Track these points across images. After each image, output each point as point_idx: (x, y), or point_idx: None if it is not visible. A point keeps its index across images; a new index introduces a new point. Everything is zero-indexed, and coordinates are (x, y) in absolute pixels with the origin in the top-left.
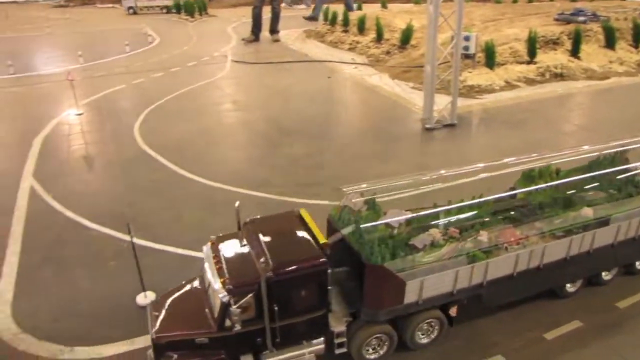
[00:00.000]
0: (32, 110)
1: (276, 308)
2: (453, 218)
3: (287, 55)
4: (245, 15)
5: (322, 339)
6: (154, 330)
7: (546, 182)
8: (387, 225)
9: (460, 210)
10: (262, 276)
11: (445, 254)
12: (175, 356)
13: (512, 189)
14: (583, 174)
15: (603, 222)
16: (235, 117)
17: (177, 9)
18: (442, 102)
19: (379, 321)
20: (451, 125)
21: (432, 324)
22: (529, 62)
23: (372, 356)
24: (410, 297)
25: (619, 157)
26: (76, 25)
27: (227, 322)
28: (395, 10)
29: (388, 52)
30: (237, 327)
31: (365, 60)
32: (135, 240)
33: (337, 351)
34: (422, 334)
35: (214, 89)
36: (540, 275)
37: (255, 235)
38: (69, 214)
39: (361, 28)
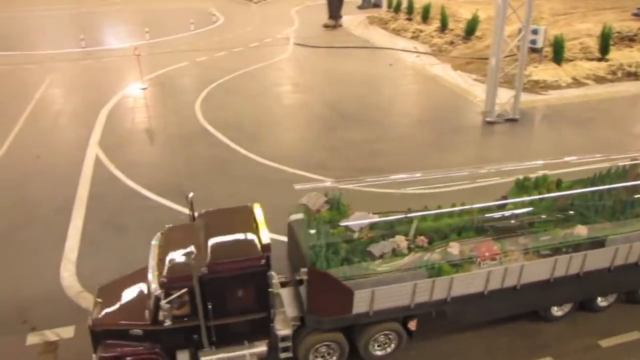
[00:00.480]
0: (100, 83)
1: (210, 306)
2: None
3: (349, 41)
4: None
5: (265, 341)
6: (91, 317)
7: (540, 194)
8: (347, 228)
9: (438, 217)
10: (195, 273)
11: (405, 264)
12: (112, 345)
13: (504, 197)
14: (586, 187)
15: (598, 243)
16: (294, 99)
17: None
18: (504, 96)
19: (327, 329)
20: (513, 120)
21: (390, 336)
22: (600, 59)
23: None
24: (360, 307)
25: (631, 172)
26: (144, 2)
27: (160, 316)
28: (461, 0)
29: (452, 43)
30: (168, 323)
31: (428, 49)
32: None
33: (282, 355)
34: (378, 346)
35: (275, 70)
36: (518, 296)
37: (204, 228)
38: (130, 183)
39: (425, 17)
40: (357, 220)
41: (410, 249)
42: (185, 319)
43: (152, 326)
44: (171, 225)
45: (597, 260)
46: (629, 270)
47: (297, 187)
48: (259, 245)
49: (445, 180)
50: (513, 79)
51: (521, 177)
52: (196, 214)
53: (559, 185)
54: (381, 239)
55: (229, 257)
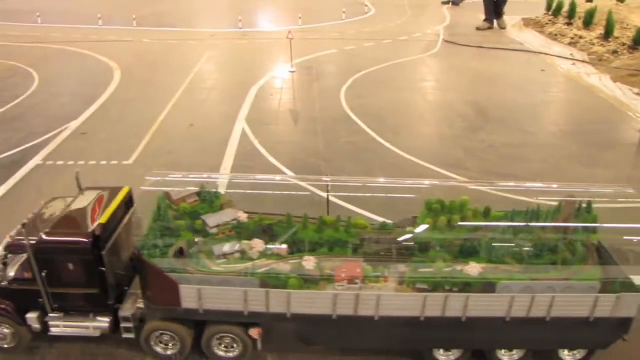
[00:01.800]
0: (252, 62)
1: (44, 274)
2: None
3: (501, 42)
4: None
5: (108, 318)
6: None
7: (449, 220)
8: (204, 222)
9: (321, 229)
10: (27, 242)
11: (243, 268)
12: None
13: (415, 218)
14: (529, 219)
15: (489, 287)
16: (437, 96)
17: None
18: None
19: (163, 318)
20: None
21: (235, 340)
22: None
23: (159, 350)
24: (189, 302)
25: (564, 210)
26: None
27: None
28: (634, 5)
29: (615, 52)
30: (4, 283)
31: (586, 57)
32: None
33: (124, 335)
34: (224, 347)
35: (421, 66)
36: (380, 328)
37: (72, 202)
38: (271, 159)
39: (588, 22)
40: (216, 217)
41: (266, 256)
42: (28, 281)
43: (2, 283)
44: (57, 196)
45: (484, 306)
46: (538, 326)
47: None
48: (93, 225)
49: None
50: None
51: (434, 198)
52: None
53: (486, 214)
54: (237, 238)
55: (58, 232)
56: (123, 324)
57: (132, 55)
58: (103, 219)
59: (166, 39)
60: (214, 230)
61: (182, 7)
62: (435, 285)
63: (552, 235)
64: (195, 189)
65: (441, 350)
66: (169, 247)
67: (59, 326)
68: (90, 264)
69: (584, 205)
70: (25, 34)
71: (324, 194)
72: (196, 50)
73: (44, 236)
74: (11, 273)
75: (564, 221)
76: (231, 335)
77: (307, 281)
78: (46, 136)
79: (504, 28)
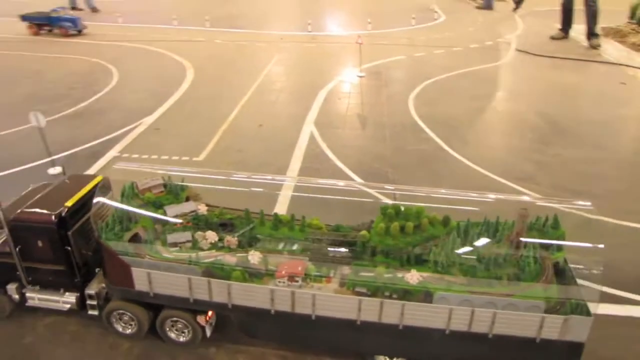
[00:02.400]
0: (321, 66)
1: (18, 249)
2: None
3: (577, 53)
4: (537, 3)
5: (76, 294)
6: None
7: (402, 227)
8: (165, 212)
9: (262, 224)
10: (4, 218)
11: (186, 257)
12: None
13: (372, 222)
14: (483, 231)
15: (428, 297)
16: (507, 106)
17: None
18: None
19: (122, 298)
20: None
21: (187, 325)
22: None
23: (119, 329)
24: (141, 285)
25: (517, 224)
26: None
27: None
28: None
29: None
30: None
31: None
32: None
33: (89, 311)
34: (177, 330)
35: (492, 74)
36: (317, 328)
37: (53, 186)
38: (338, 162)
39: None
40: (176, 208)
41: (217, 248)
42: (9, 256)
43: None
44: (45, 182)
45: (422, 316)
46: (481, 343)
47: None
48: (60, 207)
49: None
50: None
51: (390, 202)
52: None
53: (446, 223)
54: (194, 229)
55: (31, 212)
56: (88, 301)
57: (205, 55)
58: (70, 202)
59: (237, 40)
60: (174, 220)
61: (253, 10)
62: (375, 291)
63: (504, 250)
64: (161, 180)
65: (385, 358)
66: (125, 232)
67: (34, 299)
68: (56, 243)
69: (549, 221)
70: (107, 33)
71: (389, 201)
72: (266, 52)
73: (18, 215)
74: None
75: (517, 235)
76: (182, 321)
77: (252, 275)
78: (123, 130)
79: (595, 47)
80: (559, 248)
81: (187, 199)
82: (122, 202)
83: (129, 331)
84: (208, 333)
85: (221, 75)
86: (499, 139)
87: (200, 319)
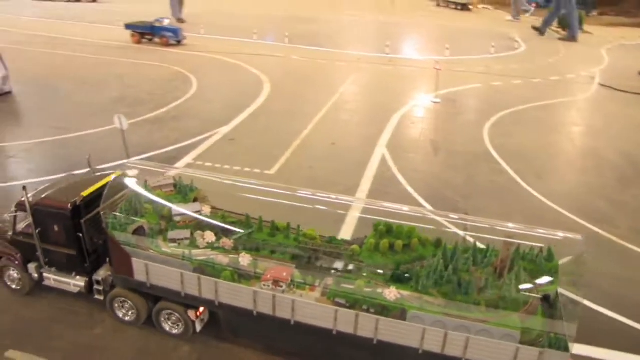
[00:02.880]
0: (396, 89)
1: (38, 231)
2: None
3: None
4: (624, 37)
5: (85, 278)
6: None
7: (391, 245)
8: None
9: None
10: (28, 204)
11: (180, 253)
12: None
13: (365, 237)
14: (470, 256)
15: (403, 314)
16: (587, 142)
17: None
18: None
19: (124, 286)
20: None
21: (180, 319)
22: None
23: (120, 314)
24: (140, 275)
25: (502, 252)
26: (449, 19)
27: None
28: None
29: None
30: (14, 235)
31: None
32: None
33: (95, 296)
34: (172, 323)
35: (572, 109)
36: (296, 333)
37: (77, 178)
38: (408, 187)
39: None
40: (181, 208)
41: (213, 248)
42: (31, 237)
43: (13, 236)
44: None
45: (395, 332)
46: None
47: (130, 164)
48: (76, 197)
49: None
50: None
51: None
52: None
53: (437, 245)
54: (193, 228)
55: (52, 199)
56: (96, 287)
57: (282, 71)
58: (85, 193)
59: (315, 58)
60: (177, 218)
61: (332, 29)
62: (354, 303)
63: (486, 276)
64: (172, 180)
65: None
66: (130, 225)
67: (50, 279)
68: (70, 229)
69: (542, 252)
70: (190, 43)
71: (454, 229)
72: (342, 72)
73: (39, 200)
74: (19, 227)
75: (501, 263)
76: (176, 314)
77: (242, 277)
78: (199, 138)
79: None
80: (552, 280)
81: (195, 200)
82: (133, 197)
83: (127, 318)
84: (198, 328)
85: (297, 91)
86: (575, 175)
87: (191, 314)
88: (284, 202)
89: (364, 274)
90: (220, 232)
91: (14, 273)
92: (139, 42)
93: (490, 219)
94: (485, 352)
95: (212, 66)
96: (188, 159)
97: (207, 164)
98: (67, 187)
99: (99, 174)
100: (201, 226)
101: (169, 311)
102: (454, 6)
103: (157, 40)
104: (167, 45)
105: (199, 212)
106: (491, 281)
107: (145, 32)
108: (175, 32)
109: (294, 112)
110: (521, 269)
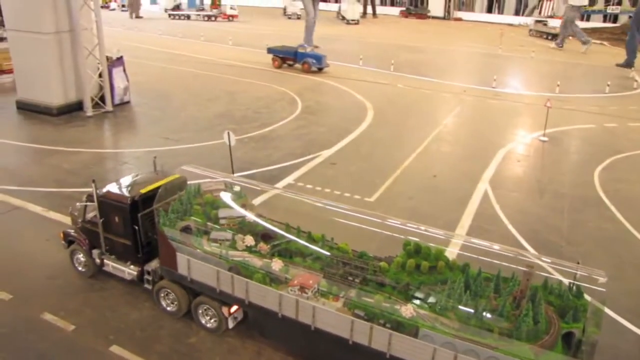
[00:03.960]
0: (502, 124)
1: (101, 221)
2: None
3: None
4: None
5: (138, 268)
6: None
7: (417, 264)
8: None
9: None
10: (95, 194)
11: (218, 253)
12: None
13: (396, 256)
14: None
15: (415, 331)
16: None
17: None
18: None
19: (169, 279)
20: None
21: (215, 313)
22: None
23: (164, 304)
24: (182, 269)
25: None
26: (565, 55)
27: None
28: None
29: None
30: (84, 222)
31: None
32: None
33: (145, 285)
34: (208, 317)
35: None
36: (316, 339)
37: (143, 176)
38: (510, 227)
39: None
40: (228, 211)
41: (246, 248)
42: (96, 225)
43: (82, 223)
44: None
45: (406, 348)
46: None
47: (184, 167)
48: (136, 192)
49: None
50: None
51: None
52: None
53: (464, 270)
54: (236, 231)
55: (115, 193)
56: (146, 276)
57: (386, 98)
58: (144, 189)
59: (419, 88)
60: (223, 221)
61: (439, 59)
62: (372, 317)
63: (504, 305)
64: (223, 185)
65: None
66: (178, 222)
67: (109, 265)
68: (128, 221)
69: (573, 286)
70: (297, 66)
71: (565, 280)
72: (447, 103)
73: (105, 193)
74: (88, 216)
75: (521, 293)
76: (212, 309)
77: (273, 280)
78: (301, 159)
79: None
80: (577, 318)
81: (243, 207)
82: (184, 198)
83: (170, 309)
84: (230, 325)
85: (400, 120)
86: None
87: (224, 310)
88: (376, 229)
89: (389, 291)
90: (260, 239)
91: (81, 257)
92: (279, 67)
93: (514, 247)
94: None
95: (318, 89)
96: (290, 179)
97: (308, 186)
98: (131, 183)
99: (160, 172)
100: (244, 231)
101: (206, 306)
102: (545, 36)
103: (297, 65)
104: (309, 71)
105: (243, 217)
106: (508, 310)
107: (287, 57)
108: (318, 59)
109: (396, 140)
110: (541, 302)
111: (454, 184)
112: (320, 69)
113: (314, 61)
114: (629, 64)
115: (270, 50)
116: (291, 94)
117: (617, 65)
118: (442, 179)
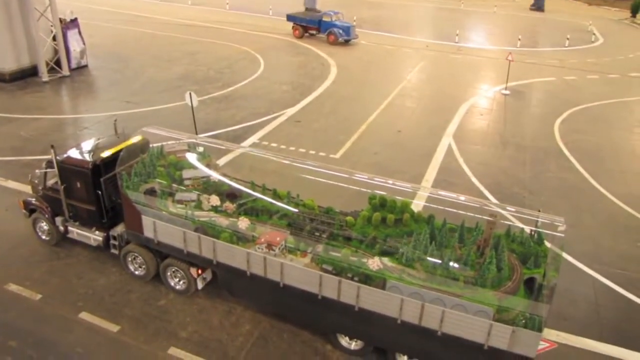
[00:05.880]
0: (464, 78)
1: (63, 187)
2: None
3: None
4: None
5: (103, 233)
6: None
7: (383, 217)
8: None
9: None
10: (54, 160)
11: (183, 213)
12: (36, 197)
13: (361, 211)
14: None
15: (382, 284)
16: None
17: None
18: None
19: (136, 242)
20: None
21: (184, 275)
22: None
23: (132, 268)
24: (148, 232)
25: (486, 230)
26: (522, 9)
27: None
28: None
29: None
30: (45, 190)
31: None
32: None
33: (111, 250)
34: (177, 279)
35: None
36: (285, 296)
37: (103, 140)
38: (473, 179)
39: None
40: (192, 171)
41: (212, 208)
42: (58, 192)
43: (43, 191)
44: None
45: (374, 300)
46: (432, 339)
47: (146, 128)
48: (97, 156)
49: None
50: None
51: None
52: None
53: (429, 221)
54: (201, 192)
55: (76, 158)
56: (112, 241)
57: (349, 55)
58: (106, 153)
59: (383, 44)
60: (187, 182)
61: (401, 14)
62: (340, 271)
63: (469, 253)
64: (186, 146)
65: (345, 337)
66: (142, 185)
67: (74, 232)
68: (90, 186)
69: (534, 234)
70: (258, 24)
71: (520, 225)
72: (410, 59)
73: (65, 158)
74: (49, 183)
75: (484, 241)
76: (180, 271)
77: (240, 239)
78: (265, 118)
79: None
80: (538, 263)
81: (207, 167)
82: (146, 161)
83: (138, 272)
84: (200, 286)
85: (363, 77)
86: None
87: (193, 271)
88: (343, 185)
89: (355, 245)
90: (225, 198)
91: (44, 225)
92: (300, 37)
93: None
94: (460, 327)
95: (280, 48)
96: (254, 138)
97: (273, 145)
98: (92, 148)
99: (120, 135)
100: (209, 191)
101: (174, 268)
102: None
103: (321, 35)
104: (335, 43)
105: (207, 177)
106: (472, 258)
107: (310, 26)
108: (347, 30)
109: (360, 97)
110: (504, 249)
111: (419, 139)
112: (347, 41)
113: (341, 32)
114: (539, 7)
115: (290, 18)
116: (253, 53)
117: (531, 8)
118: (406, 134)
